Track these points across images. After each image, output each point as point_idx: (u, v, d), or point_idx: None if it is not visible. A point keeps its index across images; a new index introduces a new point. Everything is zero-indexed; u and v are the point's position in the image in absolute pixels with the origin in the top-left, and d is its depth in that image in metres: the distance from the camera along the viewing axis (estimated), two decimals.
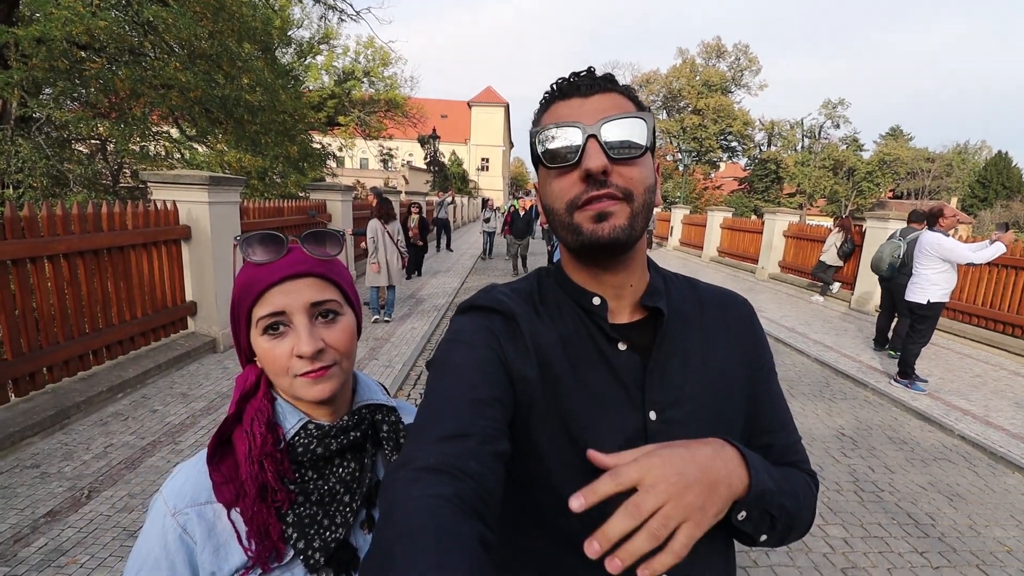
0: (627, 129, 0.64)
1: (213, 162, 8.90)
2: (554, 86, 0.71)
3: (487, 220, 14.03)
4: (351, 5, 12.35)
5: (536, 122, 0.71)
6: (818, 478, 0.81)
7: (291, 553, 0.70)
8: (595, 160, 0.63)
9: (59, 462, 3.15)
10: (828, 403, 4.85)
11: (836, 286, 9.79)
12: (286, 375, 0.72)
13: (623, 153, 0.64)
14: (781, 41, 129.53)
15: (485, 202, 15.59)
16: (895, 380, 5.19)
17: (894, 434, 4.24)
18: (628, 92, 0.71)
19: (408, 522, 0.46)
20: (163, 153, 8.77)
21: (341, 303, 0.76)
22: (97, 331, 4.26)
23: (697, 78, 47.93)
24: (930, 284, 4.85)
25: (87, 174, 7.73)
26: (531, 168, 0.77)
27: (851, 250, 9.41)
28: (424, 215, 10.14)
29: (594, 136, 0.63)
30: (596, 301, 0.71)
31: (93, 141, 8.86)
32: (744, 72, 48.96)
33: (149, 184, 5.29)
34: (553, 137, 0.65)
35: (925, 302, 4.87)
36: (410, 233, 9.27)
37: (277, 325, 0.71)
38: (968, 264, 4.73)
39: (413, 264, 9.66)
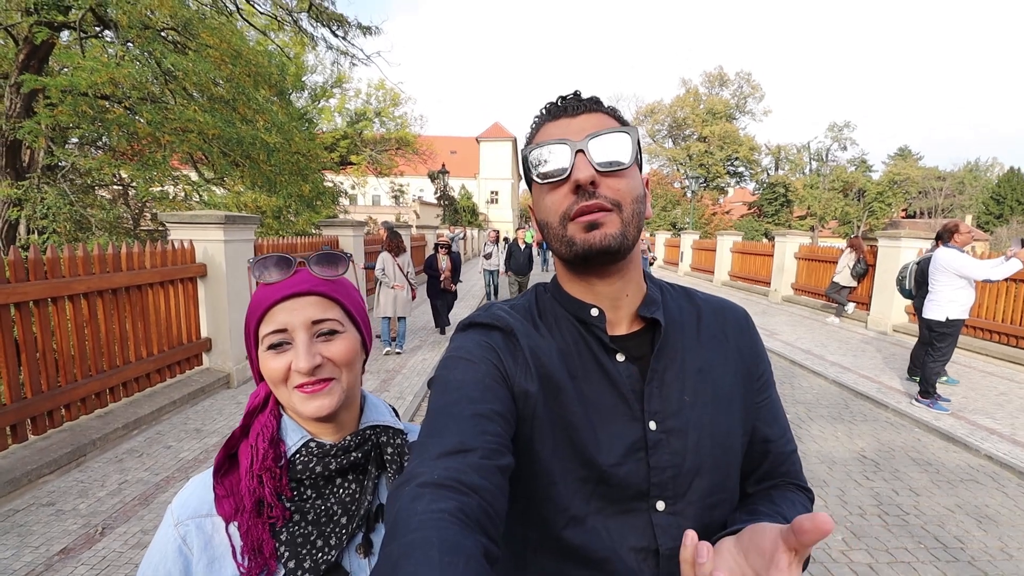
0: (613, 143, 0.67)
1: (230, 203, 9.18)
2: (543, 109, 0.75)
3: (488, 256, 11.24)
4: (362, 50, 12.84)
5: (528, 143, 0.74)
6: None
7: (281, 572, 0.70)
8: (584, 172, 0.65)
9: (74, 499, 3.18)
10: (848, 425, 4.73)
11: (851, 306, 9.65)
12: (285, 386, 0.74)
13: (610, 166, 0.66)
14: (783, 67, 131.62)
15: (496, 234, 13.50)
16: (916, 400, 5.06)
17: (918, 455, 4.11)
18: (612, 112, 0.74)
19: (412, 537, 0.46)
20: (183, 195, 9.07)
21: (343, 322, 0.77)
22: (114, 368, 4.33)
23: (701, 107, 48.60)
24: (948, 301, 4.78)
25: (109, 218, 8.00)
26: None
27: (865, 270, 9.32)
28: (456, 251, 8.44)
29: (582, 151, 0.66)
30: (594, 312, 0.72)
31: (115, 187, 9.20)
32: (747, 99, 49.62)
33: (167, 224, 5.46)
34: (544, 154, 0.68)
35: (944, 319, 4.79)
36: (442, 278, 7.83)
37: (280, 343, 0.73)
38: (985, 280, 4.67)
39: (443, 311, 8.12)
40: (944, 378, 5.65)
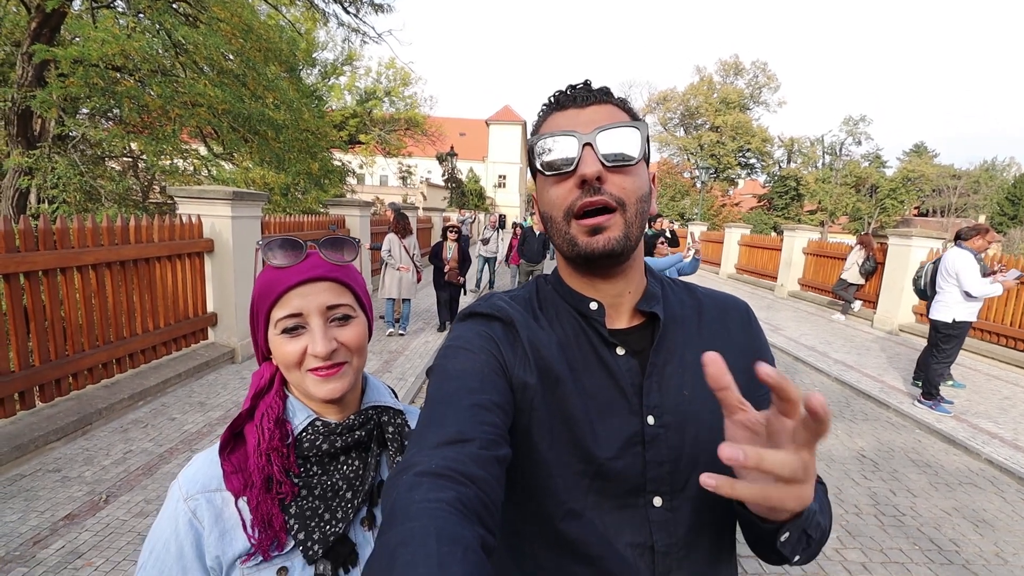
0: (621, 138, 0.66)
1: (239, 179, 9.18)
2: (552, 98, 0.73)
3: (486, 241, 10.30)
4: (373, 28, 12.69)
5: (535, 132, 0.73)
6: (830, 494, 0.79)
7: (291, 543, 0.73)
8: (590, 166, 0.64)
9: (80, 467, 3.23)
10: (848, 424, 4.73)
11: (858, 304, 9.58)
12: (298, 369, 0.76)
13: (617, 161, 0.65)
14: (800, 58, 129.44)
15: (502, 218, 12.27)
16: (919, 401, 5.05)
17: (917, 457, 4.11)
18: (623, 104, 0.73)
19: (410, 526, 0.46)
20: (191, 169, 9.07)
21: (355, 307, 0.80)
22: (121, 340, 4.38)
23: (715, 96, 47.91)
24: (955, 302, 4.73)
25: (118, 190, 8.03)
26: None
27: (873, 268, 9.23)
28: (466, 235, 7.70)
29: (590, 144, 0.65)
30: (593, 306, 0.72)
31: (125, 159, 9.21)
32: (762, 89, 48.84)
33: (176, 198, 5.47)
34: (550, 145, 0.67)
35: (951, 320, 4.75)
36: (446, 268, 7.03)
37: (295, 327, 0.75)
38: (964, 293, 4.64)
39: (447, 308, 7.30)
40: (950, 382, 5.62)
